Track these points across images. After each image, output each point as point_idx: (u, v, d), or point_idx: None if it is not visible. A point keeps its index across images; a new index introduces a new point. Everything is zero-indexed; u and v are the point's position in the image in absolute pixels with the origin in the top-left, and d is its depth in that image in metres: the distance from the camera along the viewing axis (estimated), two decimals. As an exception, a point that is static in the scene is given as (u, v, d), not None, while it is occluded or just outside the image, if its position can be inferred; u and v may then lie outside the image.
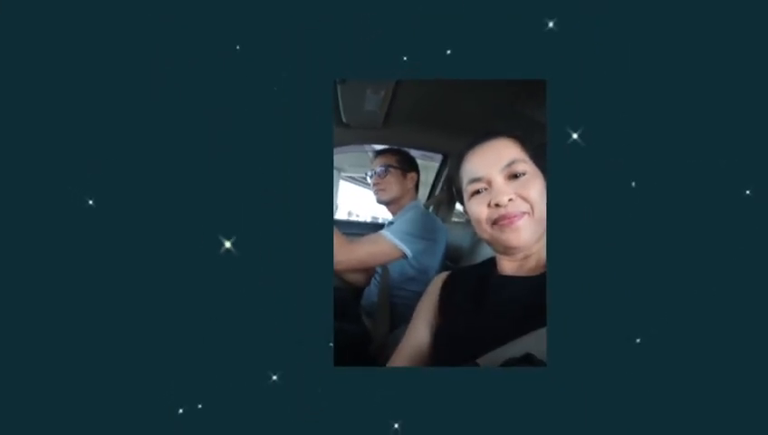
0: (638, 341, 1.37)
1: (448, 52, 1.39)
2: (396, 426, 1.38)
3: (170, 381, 1.39)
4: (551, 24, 1.38)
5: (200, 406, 1.39)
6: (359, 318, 2.43)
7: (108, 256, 1.40)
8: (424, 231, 2.29)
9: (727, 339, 1.40)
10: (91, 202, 1.40)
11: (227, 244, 1.37)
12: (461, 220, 3.08)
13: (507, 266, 1.42)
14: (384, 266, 2.35)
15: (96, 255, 1.40)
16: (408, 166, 2.58)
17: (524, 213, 1.35)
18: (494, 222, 1.37)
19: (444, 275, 1.58)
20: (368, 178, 2.63)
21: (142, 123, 1.40)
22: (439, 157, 3.11)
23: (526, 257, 1.40)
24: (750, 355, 1.40)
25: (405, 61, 1.39)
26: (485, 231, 1.39)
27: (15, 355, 1.40)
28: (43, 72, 1.40)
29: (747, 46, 1.41)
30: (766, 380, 1.39)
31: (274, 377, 1.38)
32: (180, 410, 1.39)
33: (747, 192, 1.39)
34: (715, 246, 1.40)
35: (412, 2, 1.39)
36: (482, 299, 1.42)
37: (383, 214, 2.73)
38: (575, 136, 1.37)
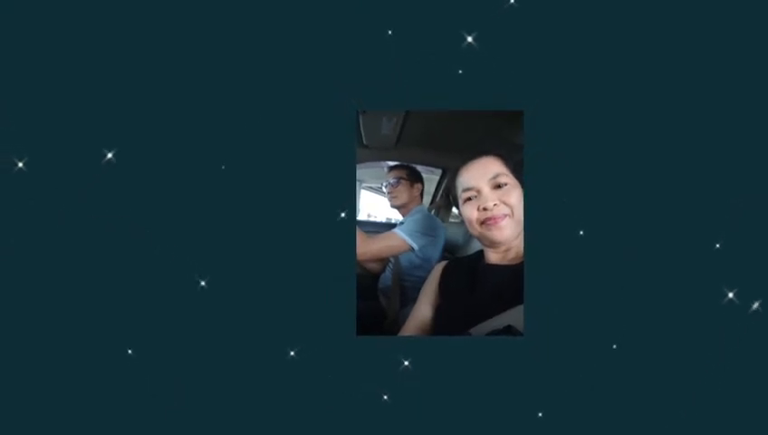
0: (600, 314, 1.38)
1: (446, 87, 1.40)
2: (406, 363, 1.39)
3: (234, 347, 1.40)
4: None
5: (257, 364, 1.40)
6: (376, 298, 2.43)
7: (171, 255, 1.41)
8: (427, 229, 2.29)
9: (678, 311, 1.40)
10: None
11: None
12: (456, 221, 3.06)
13: (493, 257, 1.41)
14: (396, 257, 2.35)
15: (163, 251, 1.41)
16: (415, 178, 2.58)
17: (506, 215, 1.35)
18: (482, 222, 1.36)
19: (443, 263, 1.58)
20: (383, 188, 2.63)
21: (198, 146, 1.41)
22: (439, 171, 3.09)
23: (508, 250, 1.39)
24: (700, 341, 1.40)
25: (413, 94, 1.40)
26: (476, 229, 1.39)
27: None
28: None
29: (711, 85, 1.40)
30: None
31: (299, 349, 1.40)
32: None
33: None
34: (661, 236, 1.40)
35: (416, 50, 1.39)
36: (473, 283, 1.41)
37: (395, 216, 2.72)
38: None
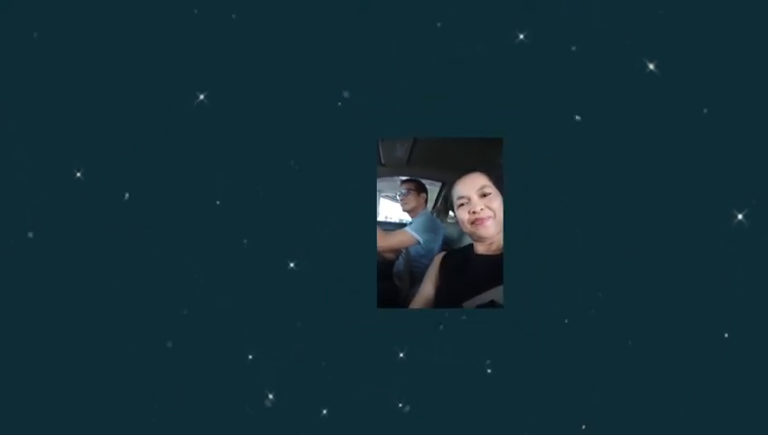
0: (563, 290, 1.37)
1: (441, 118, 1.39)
2: (401, 355, 1.38)
3: (283, 316, 1.38)
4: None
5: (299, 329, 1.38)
6: (391, 279, 2.40)
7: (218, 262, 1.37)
8: (430, 228, 2.27)
9: (633, 276, 1.37)
10: (218, 202, 1.38)
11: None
12: (452, 221, 3.04)
13: (480, 248, 1.40)
14: (406, 249, 2.33)
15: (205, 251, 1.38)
16: (421, 189, 2.54)
17: (490, 217, 1.34)
18: (472, 222, 1.35)
19: (442, 254, 1.57)
20: (397, 197, 2.61)
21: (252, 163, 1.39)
22: (439, 183, 3.06)
23: (491, 243, 1.37)
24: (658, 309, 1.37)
25: (419, 126, 1.40)
26: (467, 228, 1.38)
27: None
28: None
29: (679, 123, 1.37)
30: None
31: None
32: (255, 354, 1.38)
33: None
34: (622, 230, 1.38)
35: (423, 92, 1.38)
36: (465, 268, 1.40)
37: (406, 217, 2.71)
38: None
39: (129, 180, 1.36)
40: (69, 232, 1.34)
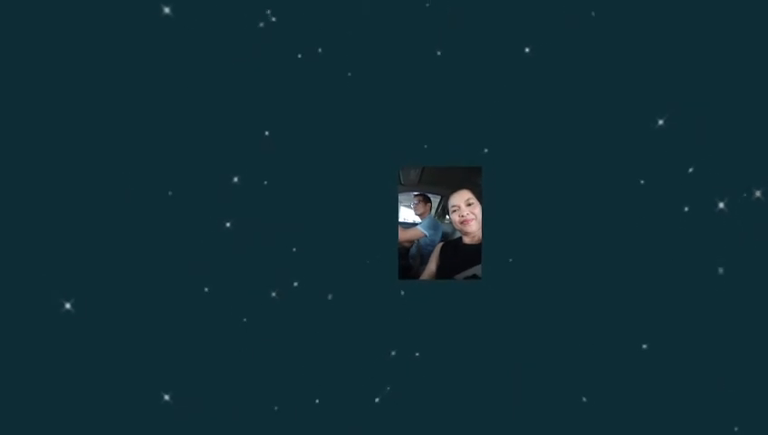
0: (526, 268, 1.36)
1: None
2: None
3: (324, 289, 1.35)
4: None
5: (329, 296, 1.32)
6: (408, 260, 2.43)
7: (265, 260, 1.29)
8: (434, 226, 2.28)
9: (604, 254, 1.31)
10: (265, 185, 1.29)
11: None
12: (448, 222, 3.04)
13: (466, 240, 1.44)
14: (418, 240, 2.36)
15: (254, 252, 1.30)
16: (428, 200, 2.51)
17: (473, 219, 1.39)
18: (461, 223, 1.42)
19: (441, 243, 1.56)
20: (411, 205, 2.65)
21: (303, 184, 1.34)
22: (439, 196, 3.06)
23: (474, 237, 1.43)
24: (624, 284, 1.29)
25: (427, 157, 1.42)
26: (457, 226, 1.42)
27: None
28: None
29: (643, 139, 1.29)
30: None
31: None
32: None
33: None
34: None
35: (428, 134, 1.39)
36: (456, 253, 1.46)
37: (417, 220, 2.73)
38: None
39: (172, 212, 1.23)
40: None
